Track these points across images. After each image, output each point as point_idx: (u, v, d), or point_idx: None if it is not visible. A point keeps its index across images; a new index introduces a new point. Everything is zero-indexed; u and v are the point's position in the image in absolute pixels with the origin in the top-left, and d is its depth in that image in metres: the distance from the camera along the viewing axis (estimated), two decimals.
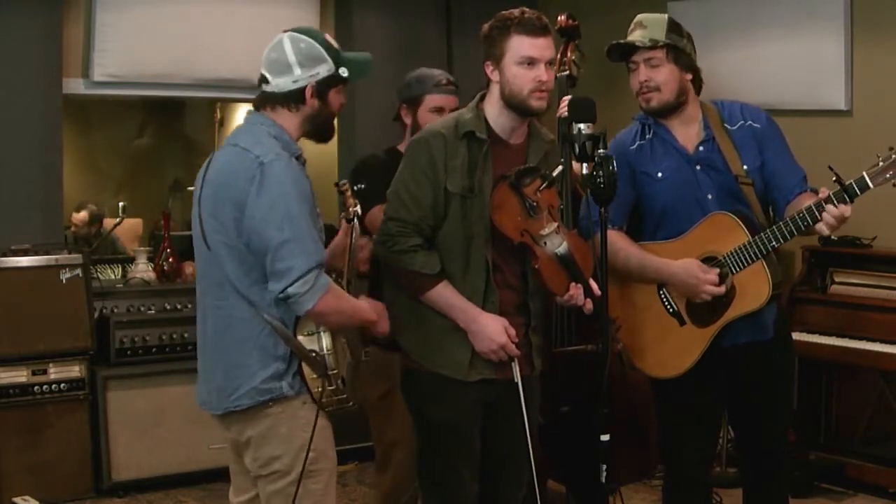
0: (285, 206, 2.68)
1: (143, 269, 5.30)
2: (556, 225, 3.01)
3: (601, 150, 2.80)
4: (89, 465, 4.84)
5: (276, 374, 2.77)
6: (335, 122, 2.95)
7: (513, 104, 3.00)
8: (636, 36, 3.29)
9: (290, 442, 2.79)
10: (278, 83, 2.82)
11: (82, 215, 6.91)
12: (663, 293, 3.32)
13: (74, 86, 5.24)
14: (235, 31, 5.46)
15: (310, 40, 2.83)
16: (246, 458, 2.88)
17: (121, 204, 6.27)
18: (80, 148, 7.91)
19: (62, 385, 4.78)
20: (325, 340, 2.77)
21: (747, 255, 3.17)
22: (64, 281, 4.79)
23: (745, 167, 3.27)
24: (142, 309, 5.09)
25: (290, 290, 2.66)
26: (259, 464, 2.83)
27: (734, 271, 3.19)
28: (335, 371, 2.77)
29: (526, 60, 2.96)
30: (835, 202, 3.04)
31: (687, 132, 3.33)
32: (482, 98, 3.10)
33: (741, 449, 3.60)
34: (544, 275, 3.01)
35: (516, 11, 3.00)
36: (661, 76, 3.25)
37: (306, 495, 2.81)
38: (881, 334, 4.53)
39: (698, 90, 3.37)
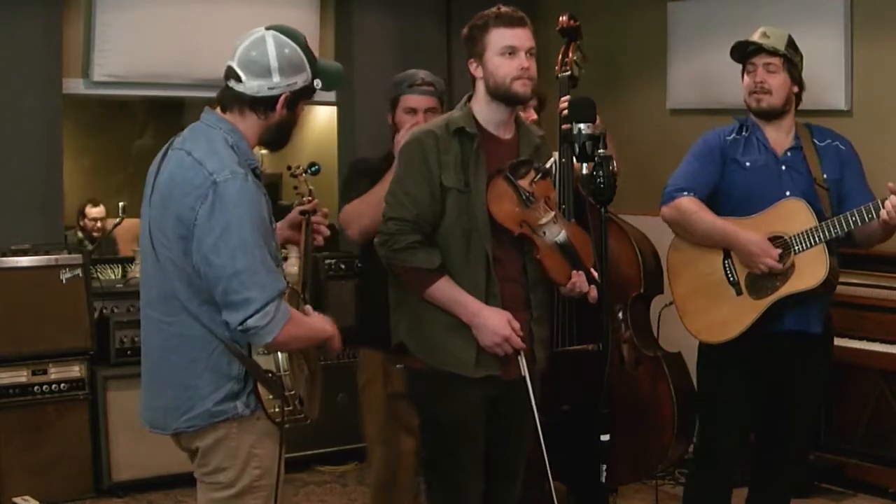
0: (238, 232, 2.48)
1: None
2: (553, 214, 3.04)
3: (601, 150, 2.81)
4: (89, 465, 4.84)
5: (230, 395, 2.61)
6: (293, 132, 2.77)
7: (498, 94, 3.06)
8: (760, 40, 3.56)
9: (237, 456, 2.66)
10: (252, 85, 2.62)
11: (99, 210, 6.91)
12: (727, 262, 3.54)
13: (74, 86, 5.24)
14: (235, 31, 5.41)
15: (294, 46, 2.67)
16: (194, 465, 2.76)
17: (121, 204, 6.25)
18: (80, 148, 7.91)
19: (62, 385, 4.77)
20: (282, 359, 2.61)
21: (812, 238, 3.38)
22: (64, 281, 4.79)
23: (824, 176, 3.51)
24: None
25: (249, 322, 2.49)
26: (204, 471, 2.71)
27: (797, 251, 3.40)
28: (293, 392, 2.63)
29: (507, 50, 3.04)
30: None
31: (779, 138, 3.59)
32: (469, 98, 3.16)
33: (758, 440, 3.69)
34: (546, 264, 3.02)
35: (493, 9, 3.10)
36: (776, 82, 3.53)
37: None
38: (881, 334, 4.53)
39: (797, 105, 3.62)
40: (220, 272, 2.49)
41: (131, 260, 5.50)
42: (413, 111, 3.71)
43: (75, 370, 4.82)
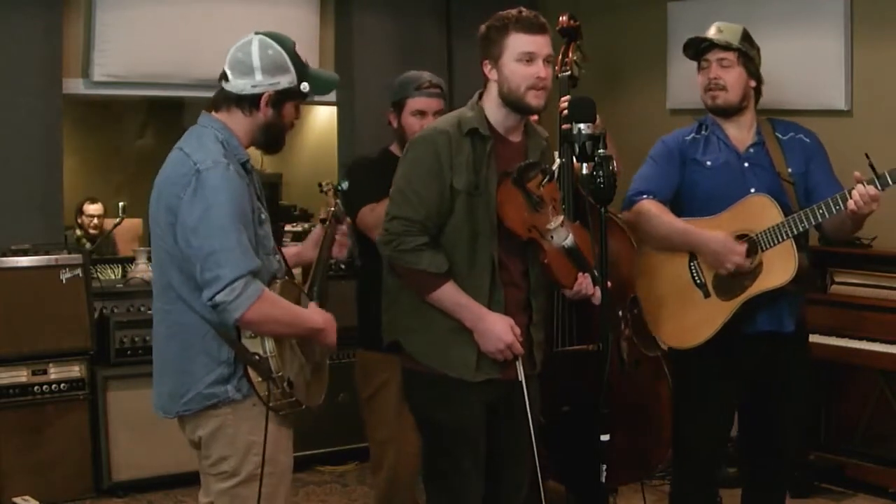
0: (217, 215, 2.63)
1: (142, 269, 5.30)
2: (561, 218, 3.04)
3: (601, 150, 2.81)
4: (89, 465, 4.84)
5: (220, 379, 2.73)
6: (285, 135, 2.88)
7: (510, 101, 3.01)
8: (713, 35, 3.48)
9: (236, 443, 2.76)
10: (237, 84, 2.78)
11: (97, 207, 6.91)
12: (693, 265, 3.46)
13: (74, 86, 5.24)
14: (235, 32, 5.40)
15: (278, 48, 2.79)
16: (199, 458, 2.86)
17: (121, 204, 6.26)
18: (80, 148, 7.91)
19: (62, 385, 4.77)
20: (269, 343, 2.70)
21: (779, 234, 3.30)
22: (64, 281, 4.79)
23: (789, 170, 3.43)
24: (142, 309, 5.08)
25: (217, 297, 2.61)
26: (209, 463, 2.81)
27: (764, 248, 3.32)
28: (280, 374, 2.71)
29: (525, 57, 2.98)
30: (864, 185, 3.15)
31: (740, 135, 3.51)
32: (480, 97, 3.11)
33: (748, 446, 3.64)
34: (554, 268, 3.01)
35: (514, 11, 3.03)
36: (730, 77, 3.45)
37: (250, 498, 2.76)
38: (881, 334, 4.53)
39: (757, 101, 3.53)
40: (198, 252, 2.64)
41: (131, 260, 5.50)
42: (422, 114, 3.69)
43: (75, 370, 4.82)
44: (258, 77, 2.77)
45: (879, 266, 4.70)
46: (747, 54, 3.47)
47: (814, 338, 4.67)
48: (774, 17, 5.17)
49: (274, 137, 2.85)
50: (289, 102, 2.82)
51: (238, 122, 2.80)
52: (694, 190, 3.50)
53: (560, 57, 4.12)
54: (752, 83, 3.50)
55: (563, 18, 4.17)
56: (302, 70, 2.82)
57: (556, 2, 5.60)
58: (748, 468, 3.60)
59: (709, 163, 3.48)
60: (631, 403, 3.81)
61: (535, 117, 3.75)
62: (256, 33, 2.85)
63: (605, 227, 2.83)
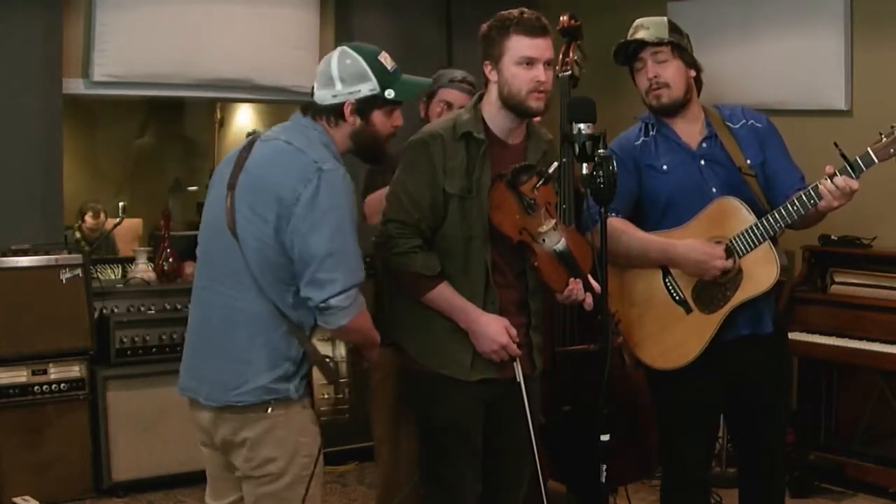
0: (338, 217, 2.64)
1: (143, 269, 5.30)
2: (553, 222, 3.02)
3: (601, 150, 2.80)
4: (89, 465, 4.84)
5: (284, 376, 2.72)
6: (382, 143, 2.87)
7: (511, 104, 3.00)
8: (641, 35, 3.33)
9: (286, 445, 2.75)
10: (320, 95, 2.80)
11: (99, 220, 6.90)
12: (668, 281, 3.34)
13: (74, 86, 5.24)
14: (235, 31, 5.46)
15: (357, 57, 2.80)
16: (237, 459, 2.80)
17: (121, 204, 6.26)
18: (80, 148, 7.91)
19: (62, 385, 4.77)
20: (341, 348, 2.74)
21: (754, 237, 3.20)
22: (64, 281, 4.79)
23: (748, 161, 3.32)
24: (142, 309, 5.09)
25: (332, 301, 2.63)
26: (252, 465, 2.77)
27: (741, 254, 3.22)
28: (346, 380, 2.74)
29: (525, 60, 2.96)
30: (840, 176, 3.08)
31: (690, 130, 3.37)
32: (480, 98, 3.10)
33: (739, 449, 3.61)
34: (543, 272, 3.01)
35: (515, 12, 3.00)
36: (670, 72, 3.31)
37: (294, 501, 2.76)
38: (881, 334, 4.53)
39: (699, 90, 3.42)
40: (315, 252, 2.63)
41: (131, 260, 5.50)
42: (449, 105, 3.73)
43: (75, 370, 4.82)
44: (338, 87, 2.78)
45: (879, 266, 4.70)
46: (679, 45, 3.32)
47: (813, 337, 4.70)
48: (774, 17, 5.18)
49: (368, 146, 2.85)
50: (376, 110, 2.81)
51: (330, 131, 2.81)
52: (654, 197, 3.36)
53: (560, 56, 4.12)
54: (692, 73, 3.35)
55: (564, 18, 4.17)
56: (385, 76, 2.81)
57: (557, 1, 5.60)
58: (741, 469, 3.58)
59: (665, 166, 3.34)
60: (632, 403, 3.80)
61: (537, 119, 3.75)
62: (341, 45, 2.87)
63: (605, 226, 2.83)
